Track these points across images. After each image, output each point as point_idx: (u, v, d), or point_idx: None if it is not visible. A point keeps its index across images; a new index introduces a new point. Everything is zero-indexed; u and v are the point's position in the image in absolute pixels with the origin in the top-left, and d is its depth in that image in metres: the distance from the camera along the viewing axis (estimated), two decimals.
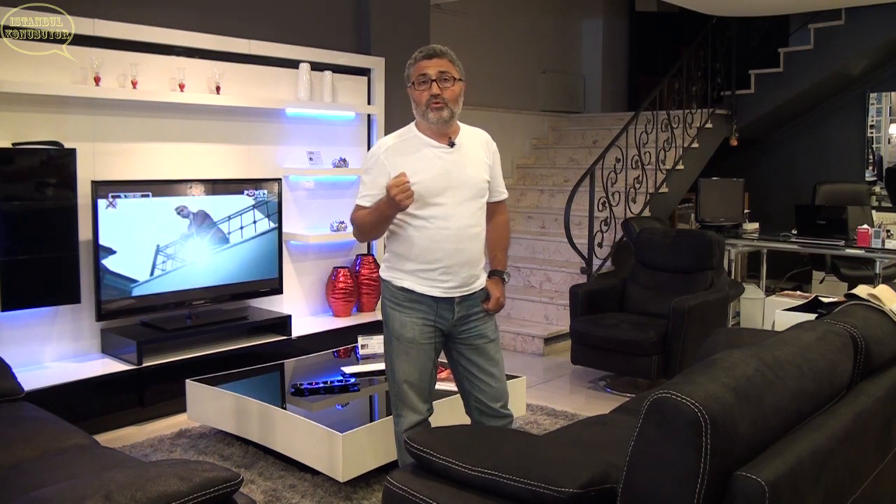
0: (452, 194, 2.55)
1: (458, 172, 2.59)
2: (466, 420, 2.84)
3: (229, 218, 4.52)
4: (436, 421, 2.75)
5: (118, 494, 1.47)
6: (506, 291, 2.83)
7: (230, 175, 4.66)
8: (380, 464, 3.15)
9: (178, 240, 4.30)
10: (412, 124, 2.66)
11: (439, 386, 3.57)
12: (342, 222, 5.14)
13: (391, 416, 3.20)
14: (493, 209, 2.77)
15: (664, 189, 6.52)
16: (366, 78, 5.35)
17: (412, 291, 2.60)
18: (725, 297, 4.77)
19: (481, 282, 2.70)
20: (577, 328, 4.69)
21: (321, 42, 5.10)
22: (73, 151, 3.83)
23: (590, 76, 8.83)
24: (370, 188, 2.58)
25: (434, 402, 3.10)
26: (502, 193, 2.79)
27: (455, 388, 2.88)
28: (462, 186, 2.58)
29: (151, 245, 4.19)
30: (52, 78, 3.89)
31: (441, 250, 2.56)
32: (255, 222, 4.64)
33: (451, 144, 2.61)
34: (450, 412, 3.20)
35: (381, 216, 2.53)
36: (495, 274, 2.78)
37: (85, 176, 3.96)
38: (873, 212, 6.39)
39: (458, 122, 2.68)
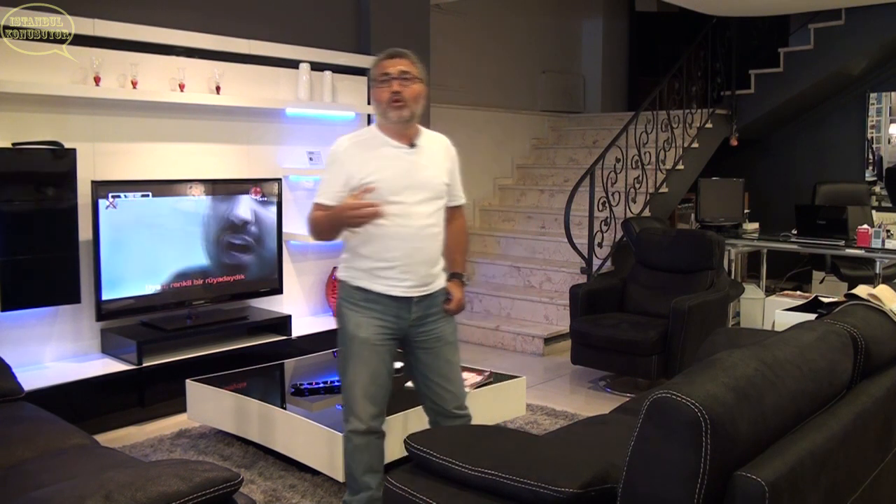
0: (411, 193, 2.56)
1: (418, 173, 2.61)
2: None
3: (229, 218, 4.52)
4: (412, 427, 2.74)
5: (118, 494, 1.47)
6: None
7: (230, 175, 4.66)
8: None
9: (178, 240, 4.30)
10: (373, 125, 2.69)
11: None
12: None
13: (389, 417, 3.20)
14: (451, 214, 2.79)
15: (664, 189, 6.52)
16: (366, 78, 5.35)
17: (369, 291, 2.60)
18: (725, 297, 4.77)
19: (440, 282, 2.70)
20: (577, 328, 4.69)
21: (321, 42, 5.10)
22: (73, 151, 3.83)
23: (590, 76, 8.83)
24: (329, 186, 2.59)
25: (411, 410, 3.01)
26: (460, 198, 2.83)
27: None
28: (421, 187, 2.60)
29: (151, 245, 4.19)
30: (52, 78, 3.89)
31: (399, 248, 2.56)
32: (255, 222, 4.64)
33: (412, 145, 2.63)
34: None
35: (335, 224, 2.55)
36: (455, 276, 2.78)
37: (85, 176, 3.95)
38: (873, 212, 6.39)
39: (418, 126, 2.70)
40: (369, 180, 2.53)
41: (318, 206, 2.60)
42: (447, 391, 2.71)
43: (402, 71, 2.59)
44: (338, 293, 2.70)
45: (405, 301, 2.61)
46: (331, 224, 2.56)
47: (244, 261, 4.61)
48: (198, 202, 4.37)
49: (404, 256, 2.57)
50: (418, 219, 2.58)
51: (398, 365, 3.87)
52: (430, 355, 2.69)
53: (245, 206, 4.58)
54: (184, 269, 4.34)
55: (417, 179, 2.60)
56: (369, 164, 2.56)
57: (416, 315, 2.63)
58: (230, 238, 4.54)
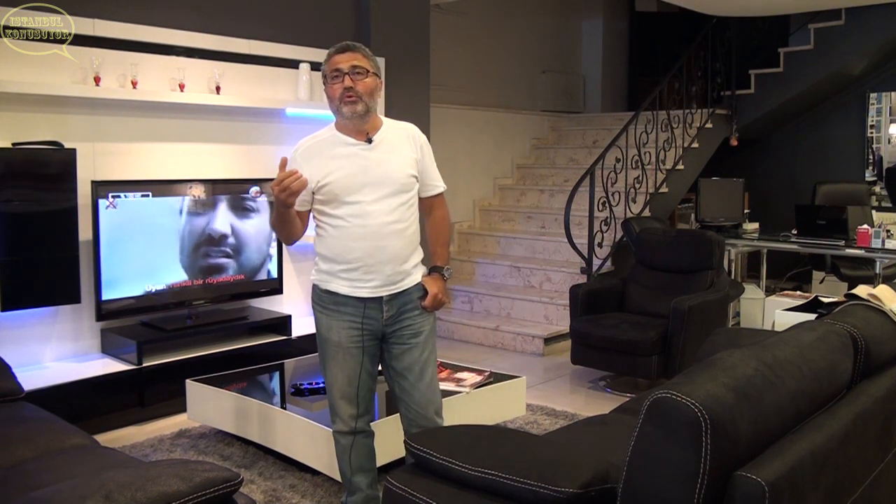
0: (370, 191, 2.49)
1: (377, 169, 2.52)
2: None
3: (229, 218, 4.51)
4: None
5: (118, 494, 1.47)
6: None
7: (230, 175, 4.66)
8: (380, 464, 3.15)
9: (178, 240, 4.30)
10: (332, 124, 2.61)
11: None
12: None
13: (390, 417, 3.21)
14: (430, 204, 2.71)
15: (664, 189, 6.52)
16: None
17: (337, 294, 2.55)
18: (725, 297, 4.77)
19: (413, 279, 2.61)
20: (577, 328, 4.69)
21: (321, 42, 5.09)
22: (73, 151, 3.83)
23: (590, 76, 8.83)
24: None
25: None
26: (438, 187, 2.70)
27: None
28: (381, 183, 2.51)
29: (151, 245, 4.19)
30: (52, 78, 3.89)
31: (359, 249, 2.50)
32: (255, 222, 4.64)
33: (369, 140, 2.54)
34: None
35: (278, 214, 2.48)
36: (435, 270, 2.68)
37: (85, 176, 3.96)
38: (873, 212, 6.39)
39: (380, 118, 2.64)
40: (325, 182, 2.49)
41: None
42: (419, 392, 2.62)
43: (354, 66, 2.50)
44: (311, 296, 2.67)
45: (375, 301, 2.55)
46: (275, 216, 2.51)
47: (244, 261, 4.61)
48: (198, 202, 4.37)
49: (366, 257, 2.50)
50: (377, 217, 2.50)
51: None
52: (404, 352, 2.60)
53: (245, 207, 4.58)
54: (184, 268, 4.34)
55: (375, 176, 2.51)
56: (325, 166, 2.50)
57: (389, 313, 2.57)
58: (230, 238, 4.53)
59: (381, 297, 2.55)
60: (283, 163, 2.41)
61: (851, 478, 1.87)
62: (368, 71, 2.53)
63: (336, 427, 2.66)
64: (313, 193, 2.52)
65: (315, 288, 2.63)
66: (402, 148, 2.60)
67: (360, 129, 2.55)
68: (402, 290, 2.58)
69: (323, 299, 2.59)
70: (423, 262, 2.69)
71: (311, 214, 2.61)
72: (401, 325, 2.59)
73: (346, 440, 2.66)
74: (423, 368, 2.63)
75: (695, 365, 1.76)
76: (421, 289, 2.63)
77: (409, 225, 2.59)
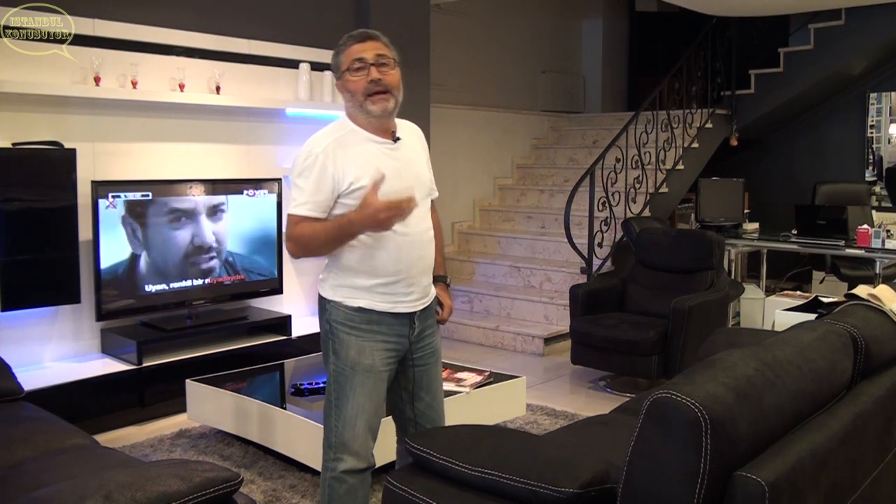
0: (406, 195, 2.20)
1: (408, 171, 2.28)
2: None
3: (229, 218, 4.51)
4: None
5: (118, 494, 1.47)
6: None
7: (230, 175, 4.66)
8: (380, 464, 3.14)
9: (178, 239, 4.30)
10: (343, 118, 2.30)
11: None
12: None
13: (391, 416, 3.18)
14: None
15: (664, 189, 6.52)
16: None
17: (371, 311, 2.25)
18: (725, 297, 4.77)
19: (433, 291, 2.42)
20: (577, 328, 4.69)
21: (321, 42, 5.09)
22: (73, 151, 3.83)
23: (590, 76, 8.83)
24: (312, 194, 2.19)
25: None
26: (435, 191, 2.46)
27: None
28: (414, 187, 2.25)
29: (151, 245, 4.19)
30: (52, 78, 3.89)
31: (403, 260, 2.24)
32: (255, 222, 4.63)
33: (396, 139, 2.27)
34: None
35: (347, 233, 2.17)
36: (441, 280, 2.47)
37: (85, 176, 3.95)
38: (873, 212, 6.39)
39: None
40: (359, 185, 2.17)
41: (302, 219, 2.20)
42: (434, 410, 2.45)
43: (379, 55, 2.20)
44: (328, 316, 2.30)
45: (409, 317, 2.30)
46: (337, 236, 2.19)
47: (243, 260, 4.61)
48: (198, 202, 4.37)
49: (409, 268, 2.25)
50: (417, 224, 2.26)
51: None
52: (422, 372, 2.40)
53: (245, 206, 4.58)
54: (183, 268, 4.34)
55: (410, 179, 2.27)
56: (356, 167, 2.19)
57: (417, 330, 2.34)
58: (229, 238, 4.53)
59: (415, 313, 2.32)
60: (378, 184, 2.12)
61: (851, 478, 1.88)
62: (394, 61, 2.24)
63: (346, 465, 2.28)
64: (338, 198, 2.21)
65: (337, 306, 2.27)
66: (418, 148, 2.38)
67: (385, 126, 2.27)
68: (429, 303, 2.38)
69: (353, 319, 2.26)
70: None
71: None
72: (422, 343, 2.38)
73: (357, 479, 2.30)
74: (438, 387, 2.47)
75: (695, 365, 1.76)
76: (437, 302, 2.46)
77: (433, 231, 2.40)
